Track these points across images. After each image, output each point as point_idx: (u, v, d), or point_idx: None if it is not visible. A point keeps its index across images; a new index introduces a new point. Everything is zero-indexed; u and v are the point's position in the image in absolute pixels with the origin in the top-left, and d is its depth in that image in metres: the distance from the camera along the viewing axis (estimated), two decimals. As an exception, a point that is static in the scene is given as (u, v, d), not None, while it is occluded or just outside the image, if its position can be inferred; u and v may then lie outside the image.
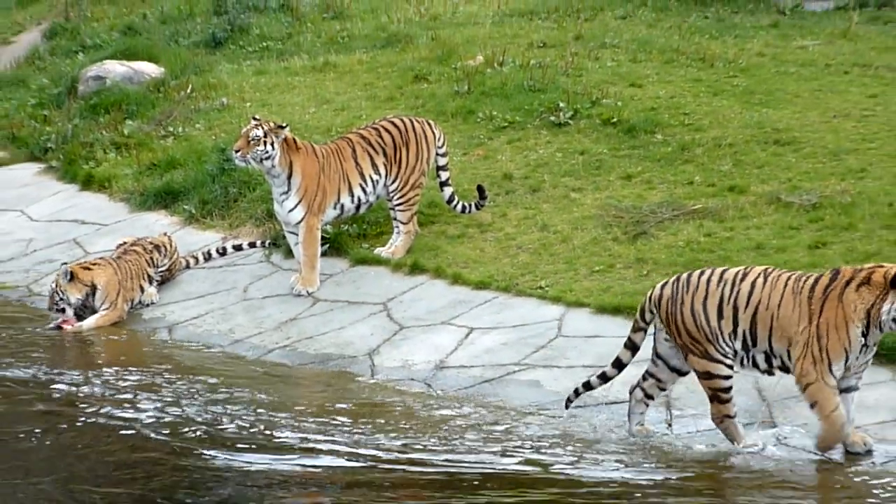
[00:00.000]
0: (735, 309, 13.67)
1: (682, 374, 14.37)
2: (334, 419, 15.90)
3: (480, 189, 19.03)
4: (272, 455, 14.83)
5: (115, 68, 22.20)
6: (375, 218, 19.08)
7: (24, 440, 15.37)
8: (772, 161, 19.57)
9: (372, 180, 18.60)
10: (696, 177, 19.30)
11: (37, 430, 15.53)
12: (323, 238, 18.52)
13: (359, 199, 18.73)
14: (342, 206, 18.60)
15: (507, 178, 19.44)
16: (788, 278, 13.68)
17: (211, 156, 19.97)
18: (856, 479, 14.19)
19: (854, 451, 13.76)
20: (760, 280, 13.75)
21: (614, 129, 20.47)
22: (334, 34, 23.50)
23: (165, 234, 19.15)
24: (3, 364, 16.90)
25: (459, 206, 19.02)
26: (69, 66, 23.06)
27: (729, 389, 14.06)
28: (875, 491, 13.35)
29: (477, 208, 19.01)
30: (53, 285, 17.90)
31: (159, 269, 18.52)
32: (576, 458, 14.66)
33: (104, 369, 17.07)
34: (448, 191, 18.98)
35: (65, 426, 15.74)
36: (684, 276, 14.28)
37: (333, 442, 15.28)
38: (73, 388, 16.52)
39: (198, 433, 15.31)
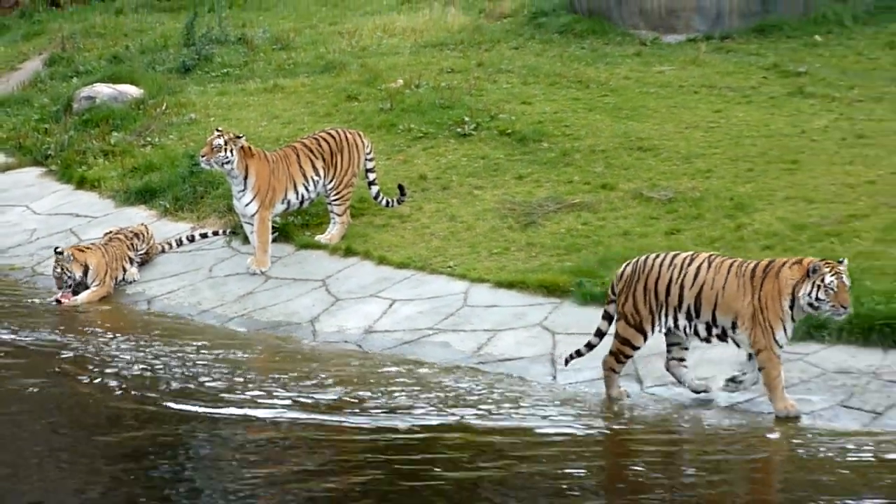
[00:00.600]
0: (681, 288, 14.05)
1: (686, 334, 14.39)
2: (283, 375, 16.05)
3: (401, 187, 19.25)
4: (231, 405, 14.96)
5: (103, 90, 22.19)
6: (316, 211, 19.33)
7: (25, 392, 15.48)
8: (636, 164, 19.73)
9: (313, 180, 18.77)
10: (575, 177, 19.48)
11: (35, 384, 15.62)
12: (273, 227, 18.73)
13: (302, 196, 18.92)
14: (289, 201, 18.77)
15: (422, 179, 19.62)
16: (731, 263, 14.11)
17: (182, 161, 20.13)
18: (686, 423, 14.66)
19: (783, 416, 13.87)
20: (705, 265, 14.11)
21: (509, 138, 20.62)
22: (282, 62, 23.58)
23: (143, 224, 19.25)
24: (12, 329, 17.15)
25: (384, 202, 19.22)
26: (65, 88, 23.06)
27: (629, 357, 14.64)
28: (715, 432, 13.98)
29: (398, 203, 19.20)
30: (58, 268, 17.97)
31: (139, 253, 18.70)
32: (478, 409, 14.73)
33: (94, 335, 17.28)
34: (375, 189, 19.22)
35: (59, 381, 15.99)
36: (642, 258, 14.56)
37: (280, 395, 15.33)
38: (68, 351, 16.74)
39: (170, 387, 15.56)
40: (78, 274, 18.04)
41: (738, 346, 13.97)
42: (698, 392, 14.47)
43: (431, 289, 17.60)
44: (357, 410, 14.73)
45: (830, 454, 13.24)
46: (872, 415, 14.03)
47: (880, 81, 22.16)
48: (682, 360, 14.46)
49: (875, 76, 22.34)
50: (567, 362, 15.02)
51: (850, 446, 13.38)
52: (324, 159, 18.85)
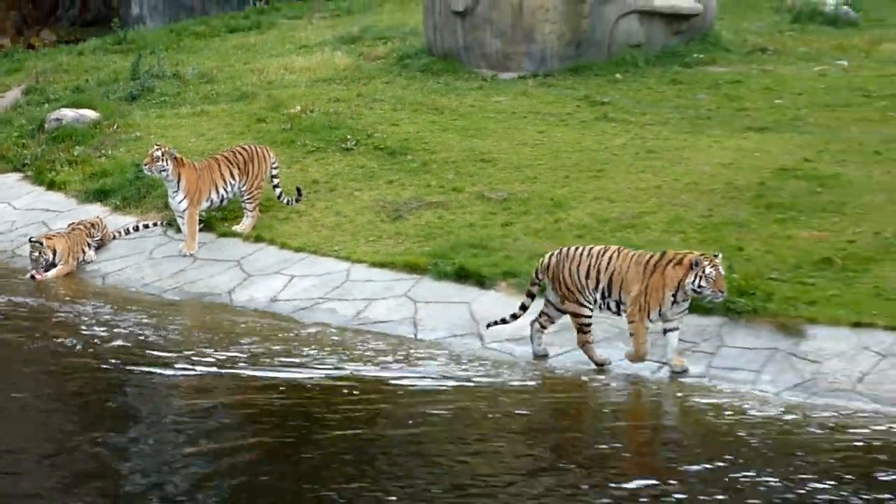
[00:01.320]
0: (598, 272, 14.30)
1: (563, 313, 14.64)
2: (206, 334, 16.42)
3: (298, 190, 19.42)
4: (164, 360, 15.19)
5: (68, 113, 22.19)
6: (232, 208, 19.24)
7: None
8: (478, 172, 19.89)
9: (230, 184, 18.93)
10: (432, 182, 19.67)
11: (11, 338, 15.88)
12: (199, 220, 18.85)
13: (222, 196, 19.06)
14: (212, 200, 18.92)
15: (315, 183, 19.84)
16: (633, 255, 14.42)
17: (129, 168, 20.32)
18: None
19: (676, 371, 14.26)
20: (615, 255, 14.44)
21: (381, 152, 20.80)
22: (206, 93, 23.61)
23: (99, 217, 19.34)
24: None
25: (285, 200, 19.37)
26: (39, 111, 23.06)
27: (589, 325, 14.58)
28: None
29: (296, 202, 19.39)
30: (35, 252, 18.12)
31: (95, 239, 18.85)
32: (362, 363, 14.98)
33: (57, 303, 17.54)
34: (278, 190, 19.37)
35: (29, 335, 16.13)
36: (565, 249, 14.81)
37: (203, 351, 15.36)
38: (36, 315, 17.05)
39: (116, 345, 15.57)
40: (48, 256, 18.10)
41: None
42: (538, 356, 14.86)
43: (321, 267, 17.81)
44: (265, 362, 14.89)
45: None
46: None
47: (665, 109, 22.55)
48: (543, 329, 14.78)
49: (661, 105, 22.68)
50: (489, 326, 15.13)
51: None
52: (239, 168, 18.94)
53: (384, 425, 12.91)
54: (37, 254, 18.09)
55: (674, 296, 13.75)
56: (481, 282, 16.61)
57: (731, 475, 11.76)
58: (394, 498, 11.21)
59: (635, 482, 11.59)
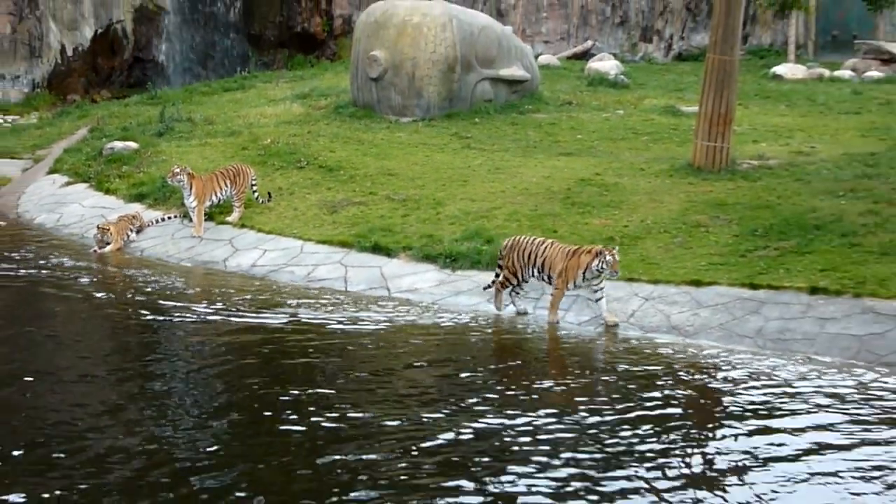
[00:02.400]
0: (535, 255, 14.42)
1: (520, 280, 14.80)
2: (211, 289, 16.59)
3: (269, 194, 19.51)
4: (180, 306, 15.48)
5: (117, 144, 22.26)
6: (225, 206, 19.31)
7: (78, 287, 16.04)
8: (386, 182, 20.03)
9: (224, 190, 18.94)
10: (356, 188, 19.89)
11: (83, 288, 16.21)
12: (205, 214, 18.88)
13: (219, 198, 19.01)
14: (212, 200, 18.90)
15: (280, 189, 19.95)
16: (559, 246, 14.59)
17: (158, 180, 20.23)
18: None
19: (609, 325, 14.19)
20: (549, 245, 14.56)
21: (323, 169, 20.94)
22: (209, 131, 23.55)
23: (137, 212, 19.51)
24: (73, 264, 17.34)
25: (261, 201, 19.36)
26: (98, 143, 23.00)
27: (508, 286, 14.87)
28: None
29: (268, 201, 19.40)
30: (98, 234, 18.26)
31: (135, 227, 18.94)
32: (325, 320, 14.93)
33: (110, 267, 17.72)
34: (256, 194, 19.34)
35: (89, 290, 16.37)
36: (516, 238, 15.06)
37: (208, 299, 15.53)
38: (97, 274, 17.35)
39: (149, 294, 15.98)
40: (106, 237, 18.14)
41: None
42: (520, 313, 14.88)
43: (284, 244, 17.92)
44: (247, 307, 15.11)
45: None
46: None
47: (507, 141, 22.72)
48: (517, 294, 14.82)
49: (504, 139, 22.90)
50: (485, 289, 15.11)
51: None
52: (230, 179, 18.96)
53: (323, 348, 13.27)
54: (99, 235, 18.18)
55: (583, 274, 13.84)
56: (388, 253, 16.90)
57: (540, 371, 12.13)
58: (325, 390, 11.56)
59: (475, 375, 11.95)
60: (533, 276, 14.46)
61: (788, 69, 36.05)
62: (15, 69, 31.46)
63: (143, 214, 19.39)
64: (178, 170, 18.77)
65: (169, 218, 19.27)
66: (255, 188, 19.31)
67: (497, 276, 14.74)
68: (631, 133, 23.76)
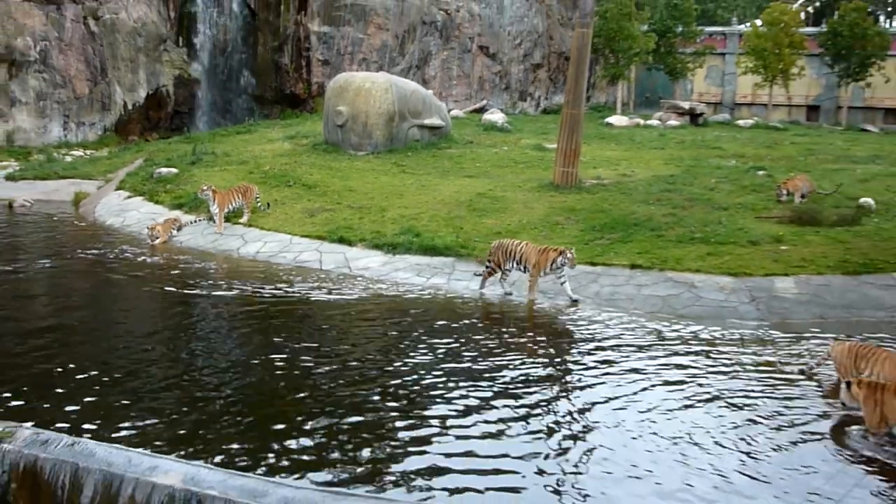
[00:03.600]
0: (514, 253, 13.85)
1: (503, 270, 14.10)
2: (225, 270, 16.19)
3: (268, 204, 19.14)
4: (207, 285, 15.21)
5: (163, 170, 21.84)
6: (238, 212, 18.58)
7: (121, 276, 15.46)
8: (348, 195, 19.73)
9: (237, 201, 18.57)
10: (328, 200, 19.56)
11: (135, 268, 15.73)
12: (225, 218, 18.37)
13: (234, 207, 18.61)
14: (229, 208, 18.49)
15: (275, 201, 19.45)
16: (532, 245, 13.97)
17: (191, 195, 19.66)
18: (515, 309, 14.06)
19: (573, 300, 13.53)
20: (525, 245, 13.95)
21: (305, 187, 20.70)
22: (226, 161, 23.01)
23: (178, 216, 19.01)
24: (130, 251, 16.93)
25: (263, 208, 18.98)
26: (150, 169, 22.51)
27: (493, 274, 14.23)
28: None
29: (267, 209, 18.99)
30: (151, 232, 17.84)
31: (176, 226, 18.50)
32: (307, 288, 14.83)
33: (158, 255, 17.02)
34: (259, 203, 18.96)
35: (142, 270, 15.91)
36: (502, 241, 14.32)
37: (228, 277, 15.33)
38: (151, 259, 16.75)
39: (180, 272, 15.70)
40: (155, 233, 17.75)
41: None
42: (508, 293, 14.06)
43: (278, 238, 17.52)
44: (253, 280, 14.93)
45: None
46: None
47: (429, 168, 22.44)
48: (504, 278, 14.13)
49: (427, 166, 22.66)
50: (475, 275, 14.48)
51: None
52: (241, 193, 18.59)
53: (305, 310, 13.19)
54: (150, 232, 17.79)
55: (550, 265, 13.37)
56: (349, 243, 16.68)
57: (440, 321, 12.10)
58: (308, 343, 11.50)
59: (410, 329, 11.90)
60: (513, 267, 13.92)
61: (616, 119, 36.51)
62: (91, 118, 31.27)
63: (181, 218, 18.93)
64: (205, 187, 18.58)
65: (199, 220, 18.82)
66: (258, 200, 18.94)
67: (487, 267, 14.19)
68: (512, 162, 23.74)
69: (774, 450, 7.96)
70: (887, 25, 49.11)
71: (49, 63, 30.06)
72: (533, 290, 13.71)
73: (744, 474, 7.38)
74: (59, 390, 8.91)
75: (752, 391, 9.63)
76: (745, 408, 9.17)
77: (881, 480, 7.12)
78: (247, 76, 35.14)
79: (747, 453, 7.83)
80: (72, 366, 9.66)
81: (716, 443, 8.07)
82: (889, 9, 55.37)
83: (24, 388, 8.90)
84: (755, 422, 8.70)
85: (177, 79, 33.46)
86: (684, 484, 7.07)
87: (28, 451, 6.82)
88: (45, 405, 8.43)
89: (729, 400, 9.33)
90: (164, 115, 33.49)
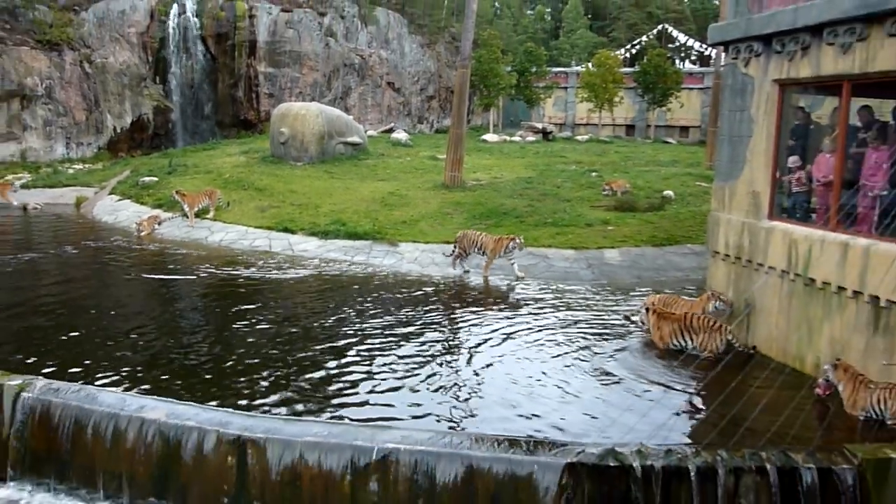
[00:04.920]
0: (476, 242, 13.15)
1: (467, 254, 13.33)
2: (196, 256, 15.48)
3: (228, 203, 18.47)
4: (180, 270, 14.37)
5: (146, 178, 20.94)
6: (205, 210, 17.91)
7: (114, 259, 14.77)
8: (290, 196, 19.25)
9: (205, 201, 18.01)
10: (274, 200, 19.03)
11: (123, 254, 14.94)
12: (195, 214, 17.76)
13: (202, 206, 17.97)
14: (198, 207, 17.88)
15: (234, 200, 18.71)
16: (490, 235, 13.28)
17: (168, 196, 18.86)
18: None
19: (519, 276, 12.88)
20: (483, 235, 13.29)
21: (257, 190, 19.99)
22: (195, 171, 22.12)
23: (158, 213, 18.30)
24: (120, 242, 16.18)
25: (224, 206, 18.28)
26: (135, 178, 21.55)
27: (460, 257, 13.44)
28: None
29: (227, 207, 18.32)
30: (136, 224, 17.31)
31: (158, 221, 17.78)
32: (256, 260, 14.39)
33: (143, 244, 16.36)
34: (221, 203, 18.27)
35: (127, 255, 15.20)
36: (465, 231, 13.60)
37: (198, 263, 14.85)
38: (134, 247, 15.93)
39: (161, 256, 14.95)
40: (140, 228, 17.16)
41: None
42: (466, 272, 13.33)
43: (236, 229, 17.01)
44: (219, 261, 14.50)
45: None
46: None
47: (351, 174, 22.00)
48: (464, 260, 13.42)
49: (350, 172, 22.23)
50: (445, 255, 13.69)
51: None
52: (207, 195, 18.05)
53: (258, 283, 12.92)
54: (137, 226, 17.21)
55: (504, 249, 12.76)
56: (292, 232, 16.45)
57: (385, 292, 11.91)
58: (270, 315, 11.27)
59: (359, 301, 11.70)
60: (473, 252, 13.20)
61: (490, 136, 36.70)
62: (88, 139, 30.13)
63: (161, 215, 18.20)
64: (175, 191, 18.16)
65: (175, 217, 18.16)
66: (220, 200, 18.33)
67: (453, 251, 13.45)
68: (413, 169, 23.62)
69: (599, 371, 8.10)
70: (681, 66, 50.73)
71: (53, 97, 29.14)
72: (487, 268, 13.12)
73: (572, 394, 7.40)
74: (67, 349, 8.53)
75: (588, 328, 9.68)
76: (583, 339, 9.33)
77: (665, 394, 7.34)
78: (210, 106, 34.31)
79: (585, 370, 7.96)
80: (80, 332, 9.27)
81: (554, 366, 8.08)
82: (682, 54, 57.41)
83: (45, 350, 8.46)
84: (589, 348, 8.78)
85: (155, 108, 32.42)
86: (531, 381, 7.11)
87: (43, 398, 6.66)
88: (53, 362, 8.04)
89: (569, 332, 9.35)
90: (146, 137, 32.44)
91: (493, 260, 13.00)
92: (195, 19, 32.93)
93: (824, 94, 8.33)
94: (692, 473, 5.10)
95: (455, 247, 13.41)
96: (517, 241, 12.82)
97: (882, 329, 6.48)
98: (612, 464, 5.19)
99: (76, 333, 9.27)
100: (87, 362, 8.20)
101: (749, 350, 8.44)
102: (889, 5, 6.30)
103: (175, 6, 32.71)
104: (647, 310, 9.01)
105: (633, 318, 9.79)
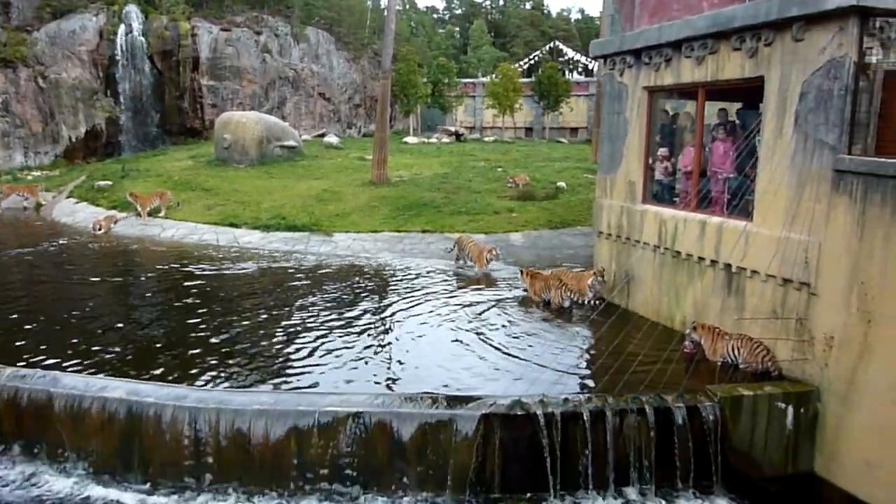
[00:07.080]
0: (463, 242, 12.40)
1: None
2: (151, 252, 14.87)
3: (178, 203, 17.76)
4: (135, 257, 13.85)
5: (101, 182, 19.98)
6: (156, 209, 17.23)
7: (74, 255, 14.02)
8: (234, 194, 18.59)
9: (156, 201, 17.32)
10: (220, 198, 18.38)
11: (86, 254, 14.17)
12: (148, 213, 17.06)
13: (154, 206, 17.29)
14: (150, 207, 17.20)
15: (183, 201, 17.90)
16: (473, 237, 12.77)
17: (122, 198, 18.06)
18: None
19: (488, 261, 11.88)
20: (469, 238, 12.58)
21: (204, 190, 19.37)
22: (146, 175, 21.22)
23: (114, 213, 17.48)
24: (79, 240, 15.36)
25: (174, 205, 17.54)
26: (91, 183, 20.52)
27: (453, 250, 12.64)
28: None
29: (178, 206, 17.59)
30: (93, 223, 16.44)
31: (114, 221, 16.98)
32: (204, 252, 14.09)
33: (100, 240, 15.56)
34: (171, 202, 17.58)
35: (86, 253, 14.49)
36: (460, 235, 12.94)
37: (152, 256, 14.28)
38: (91, 245, 15.11)
39: (118, 250, 14.28)
40: (97, 227, 16.33)
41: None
42: (461, 267, 12.30)
43: (187, 225, 16.36)
44: (171, 254, 13.97)
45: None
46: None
47: (288, 174, 21.40)
48: (458, 258, 12.49)
49: (287, 173, 21.56)
50: (449, 250, 12.91)
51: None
52: (159, 196, 17.39)
53: (213, 276, 12.53)
54: (96, 226, 16.36)
55: (486, 256, 11.48)
56: (237, 226, 16.02)
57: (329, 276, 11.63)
58: (221, 293, 10.93)
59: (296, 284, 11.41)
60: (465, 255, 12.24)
61: (410, 139, 36.57)
62: (45, 148, 28.48)
63: (117, 215, 17.38)
64: (132, 192, 17.45)
65: (129, 216, 17.43)
66: (171, 200, 17.65)
67: (454, 249, 12.65)
68: (344, 168, 24.16)
69: (512, 325, 8.24)
70: (570, 77, 51.82)
71: (10, 110, 27.59)
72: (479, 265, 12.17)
73: (494, 345, 7.55)
74: (33, 338, 8.05)
75: (493, 296, 9.82)
76: (495, 307, 9.42)
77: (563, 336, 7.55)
78: (158, 116, 32.93)
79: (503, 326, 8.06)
80: (40, 319, 8.80)
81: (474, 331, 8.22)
82: (570, 66, 58.76)
83: (16, 341, 8.01)
84: (504, 308, 8.92)
85: (107, 119, 30.89)
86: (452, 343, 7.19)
87: (10, 384, 6.36)
88: (20, 347, 7.63)
89: (479, 298, 9.43)
90: (100, 145, 30.87)
91: (481, 263, 12.02)
92: (142, 38, 31.69)
93: (685, 98, 8.61)
94: (585, 417, 5.27)
95: (455, 247, 12.93)
96: (495, 251, 12.03)
97: (734, 291, 6.75)
98: (519, 412, 5.33)
99: (43, 320, 8.80)
100: (53, 347, 7.77)
101: (597, 301, 8.85)
102: (733, 24, 6.58)
103: (122, 26, 31.42)
104: (522, 272, 9.92)
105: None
